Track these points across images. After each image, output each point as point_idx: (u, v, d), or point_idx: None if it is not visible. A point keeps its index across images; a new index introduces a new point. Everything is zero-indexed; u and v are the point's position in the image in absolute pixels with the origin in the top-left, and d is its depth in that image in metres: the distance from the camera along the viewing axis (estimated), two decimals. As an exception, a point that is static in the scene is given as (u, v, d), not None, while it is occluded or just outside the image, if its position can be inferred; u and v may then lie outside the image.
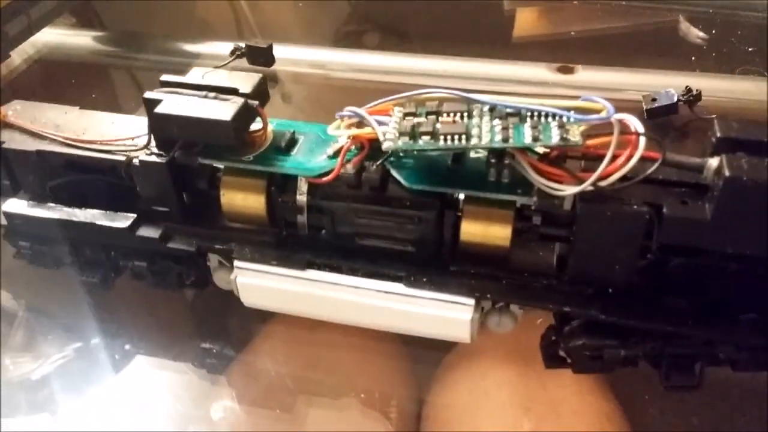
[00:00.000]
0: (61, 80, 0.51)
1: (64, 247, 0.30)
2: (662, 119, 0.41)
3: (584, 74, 0.50)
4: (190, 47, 0.54)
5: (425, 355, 0.34)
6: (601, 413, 0.30)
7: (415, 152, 0.25)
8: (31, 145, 0.28)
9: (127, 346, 0.35)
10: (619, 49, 0.55)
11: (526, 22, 0.63)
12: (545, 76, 0.50)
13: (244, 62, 0.46)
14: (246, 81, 0.27)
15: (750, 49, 0.50)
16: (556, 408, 0.30)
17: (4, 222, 0.30)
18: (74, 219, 0.28)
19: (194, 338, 0.35)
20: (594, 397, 0.30)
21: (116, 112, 0.49)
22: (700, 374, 0.26)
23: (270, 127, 0.27)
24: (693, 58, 0.49)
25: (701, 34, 0.54)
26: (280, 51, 0.47)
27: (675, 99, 0.40)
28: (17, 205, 0.29)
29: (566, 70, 0.51)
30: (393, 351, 0.33)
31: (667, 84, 0.43)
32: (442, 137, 0.24)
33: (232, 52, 0.47)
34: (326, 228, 0.28)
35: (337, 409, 0.32)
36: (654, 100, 0.41)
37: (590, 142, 0.24)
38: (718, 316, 0.25)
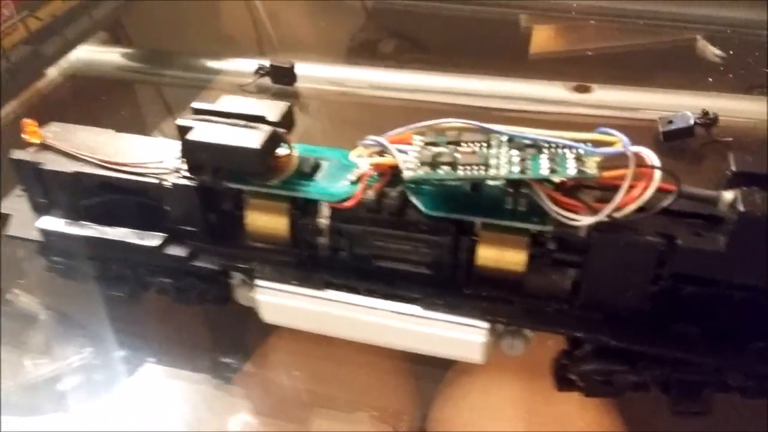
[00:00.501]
0: (90, 96, 0.52)
1: (94, 262, 0.31)
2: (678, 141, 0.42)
3: (600, 93, 0.51)
4: (214, 64, 0.56)
5: (431, 372, 0.35)
6: (606, 430, 0.30)
7: (434, 182, 0.26)
8: (68, 166, 0.30)
9: (142, 354, 0.36)
10: (635, 68, 0.56)
11: (542, 39, 0.63)
12: (562, 95, 0.51)
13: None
14: (273, 109, 0.28)
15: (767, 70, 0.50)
16: (561, 424, 0.31)
17: (30, 237, 0.31)
18: (106, 237, 0.30)
19: (208, 349, 0.36)
20: (599, 414, 0.31)
21: (143, 126, 0.50)
22: (708, 401, 0.26)
23: (295, 153, 0.28)
24: (710, 79, 0.50)
25: (719, 52, 0.54)
26: (300, 68, 0.49)
27: (692, 122, 0.41)
28: (52, 223, 0.31)
29: (583, 89, 0.51)
30: (398, 366, 0.34)
31: (684, 104, 0.44)
32: (461, 167, 0.25)
33: (256, 71, 0.49)
34: (345, 250, 0.29)
35: (344, 422, 0.33)
36: (670, 122, 0.42)
37: (606, 173, 0.25)
38: (727, 344, 0.26)
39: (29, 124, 0.31)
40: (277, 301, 0.29)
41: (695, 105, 0.43)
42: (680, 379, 0.26)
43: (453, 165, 0.25)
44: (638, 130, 0.43)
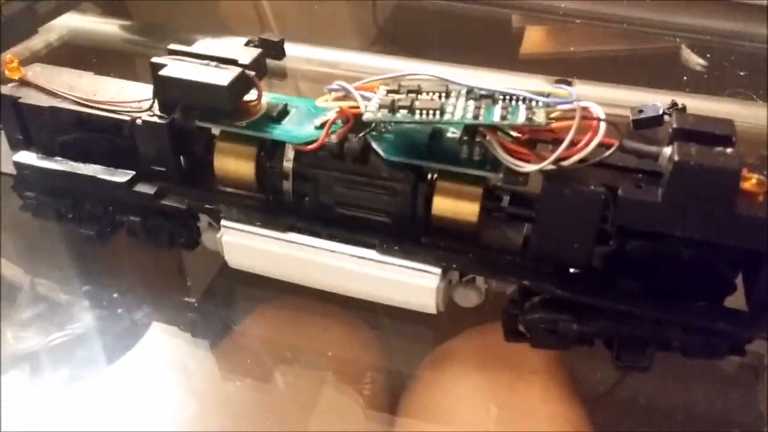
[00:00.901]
0: (82, 64, 0.53)
1: (66, 200, 0.32)
2: (649, 130, 0.43)
3: (581, 88, 0.52)
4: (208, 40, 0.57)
5: (392, 326, 0.35)
6: (567, 421, 0.31)
7: (393, 124, 0.27)
8: (45, 101, 0.31)
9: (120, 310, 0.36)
10: (620, 71, 0.57)
11: (533, 40, 0.65)
12: (543, 88, 0.52)
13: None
14: (246, 53, 0.29)
15: (742, 74, 0.51)
16: (525, 414, 0.31)
17: (5, 171, 0.32)
18: (77, 172, 0.31)
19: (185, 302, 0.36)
20: (562, 406, 0.31)
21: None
22: (651, 357, 0.27)
23: (264, 99, 0.29)
24: (684, 78, 0.51)
25: (701, 61, 0.56)
26: (291, 49, 0.50)
27: (660, 111, 0.42)
28: (27, 157, 0.32)
29: (564, 83, 0.52)
30: (360, 320, 0.35)
31: (660, 101, 0.45)
32: (417, 111, 0.26)
33: (246, 44, 0.50)
34: (309, 195, 0.30)
35: (309, 380, 0.33)
36: (641, 111, 0.43)
37: (556, 125, 0.26)
38: (670, 300, 0.26)
39: (10, 60, 0.32)
40: (242, 242, 0.30)
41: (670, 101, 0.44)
42: (623, 333, 0.27)
43: (410, 109, 0.26)
44: (616, 126, 0.44)
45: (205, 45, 0.29)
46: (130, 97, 0.31)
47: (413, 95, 0.27)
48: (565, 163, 0.25)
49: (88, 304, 0.36)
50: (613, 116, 0.50)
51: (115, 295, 0.35)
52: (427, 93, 0.27)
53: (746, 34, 0.57)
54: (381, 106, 0.26)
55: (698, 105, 0.46)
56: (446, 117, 0.26)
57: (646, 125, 0.43)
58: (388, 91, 0.27)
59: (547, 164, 0.25)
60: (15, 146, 0.33)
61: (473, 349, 0.34)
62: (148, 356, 0.35)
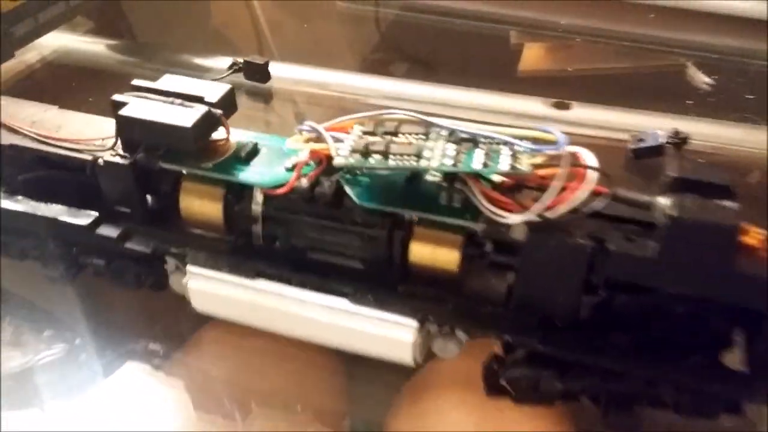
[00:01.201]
0: (65, 84, 0.52)
1: (29, 239, 0.31)
2: (652, 161, 0.41)
3: (579, 111, 0.50)
4: (199, 60, 0.55)
5: (365, 373, 0.34)
6: None
7: (365, 170, 0.25)
8: (6, 139, 0.29)
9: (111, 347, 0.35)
10: (622, 90, 0.55)
11: (532, 57, 0.63)
12: (541, 110, 0.51)
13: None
14: (213, 90, 0.27)
15: (751, 97, 0.49)
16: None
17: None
18: (38, 213, 0.29)
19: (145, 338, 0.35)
20: (549, 424, 0.30)
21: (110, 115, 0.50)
22: (640, 415, 0.25)
23: (232, 137, 0.28)
24: (689, 101, 0.49)
25: (707, 79, 0.54)
26: (276, 69, 0.49)
27: (661, 141, 0.40)
28: (-13, 196, 0.30)
29: (562, 106, 0.51)
30: (333, 364, 0.33)
31: (663, 126, 0.43)
32: (392, 157, 0.24)
33: (230, 67, 0.49)
34: (280, 240, 0.28)
35: (281, 421, 0.32)
36: (641, 140, 0.41)
37: (542, 172, 0.24)
38: (661, 356, 0.25)
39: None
40: (208, 288, 0.28)
41: (673, 127, 0.42)
42: (610, 391, 0.25)
43: (385, 154, 0.24)
44: (614, 149, 0.42)
45: (170, 81, 0.28)
46: (94, 134, 0.29)
47: (389, 137, 0.25)
48: (550, 214, 0.24)
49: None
50: (615, 141, 0.48)
51: (77, 341, 0.33)
52: (405, 135, 0.25)
53: (756, 51, 0.55)
54: (354, 150, 0.25)
55: (702, 130, 0.45)
56: (423, 163, 0.24)
57: (646, 155, 0.41)
58: (363, 133, 0.26)
59: (531, 216, 0.23)
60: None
61: (459, 371, 0.32)
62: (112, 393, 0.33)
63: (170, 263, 0.30)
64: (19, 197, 0.30)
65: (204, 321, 0.34)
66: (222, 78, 0.49)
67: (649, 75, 0.58)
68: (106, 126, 0.30)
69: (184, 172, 0.28)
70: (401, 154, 0.24)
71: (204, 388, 0.33)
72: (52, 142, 0.29)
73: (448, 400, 0.31)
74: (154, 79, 0.53)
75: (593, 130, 0.49)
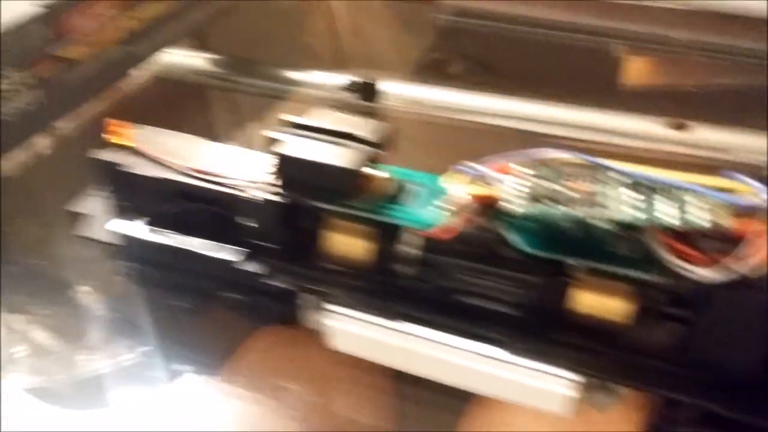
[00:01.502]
0: (170, 99, 0.52)
1: (165, 271, 0.30)
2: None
3: (700, 133, 0.47)
4: (292, 75, 0.55)
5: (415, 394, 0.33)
6: None
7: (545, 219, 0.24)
8: (149, 170, 0.29)
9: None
10: (733, 108, 0.52)
11: (635, 70, 0.60)
12: (656, 131, 0.48)
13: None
14: (368, 127, 0.26)
15: None
16: None
17: (103, 239, 0.31)
18: (182, 246, 0.29)
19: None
20: None
21: (220, 133, 0.50)
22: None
23: (384, 174, 0.27)
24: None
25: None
26: (382, 86, 0.47)
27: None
28: (127, 227, 0.30)
29: (680, 126, 0.48)
30: (380, 383, 0.33)
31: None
32: (572, 206, 0.23)
33: (343, 88, 0.48)
34: (426, 281, 0.27)
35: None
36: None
37: (739, 225, 0.22)
38: None
39: (112, 123, 0.30)
40: (349, 328, 0.27)
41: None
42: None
43: (567, 203, 0.23)
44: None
45: (320, 116, 0.27)
46: (236, 167, 0.29)
47: (561, 182, 0.24)
48: (742, 268, 0.22)
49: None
50: (737, 165, 0.45)
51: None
52: (576, 179, 0.24)
53: None
54: (526, 197, 0.23)
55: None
56: (606, 213, 0.22)
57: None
58: (530, 175, 0.24)
59: (731, 273, 0.21)
60: (112, 212, 0.31)
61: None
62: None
63: (305, 299, 0.29)
64: (159, 228, 0.30)
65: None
66: (332, 99, 0.48)
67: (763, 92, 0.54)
68: (248, 158, 0.29)
69: (334, 209, 0.27)
70: (581, 203, 0.23)
71: (256, 397, 0.32)
72: (197, 175, 0.28)
73: (521, 414, 0.30)
74: (258, 95, 0.54)
75: (717, 153, 0.47)
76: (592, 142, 0.48)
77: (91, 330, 0.37)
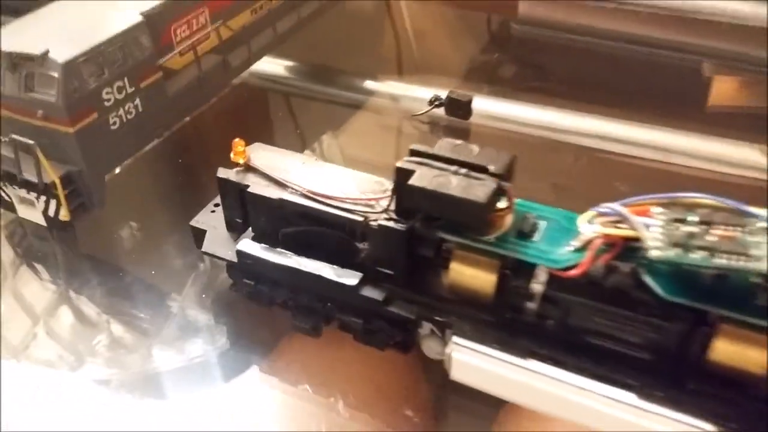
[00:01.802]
0: (258, 107, 0.53)
1: (283, 290, 0.31)
2: None
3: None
4: (372, 85, 0.55)
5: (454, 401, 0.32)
6: None
7: (685, 265, 0.23)
8: (273, 192, 0.29)
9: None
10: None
11: (723, 91, 0.59)
12: (755, 159, 0.47)
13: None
14: (497, 159, 0.26)
15: None
16: None
17: (225, 257, 0.31)
18: (303, 269, 0.29)
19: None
20: None
21: (307, 142, 0.50)
22: None
23: (514, 208, 0.27)
24: None
25: None
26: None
27: None
28: (250, 246, 0.30)
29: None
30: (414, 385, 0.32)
31: None
32: (719, 255, 0.22)
33: (431, 102, 0.48)
34: (556, 320, 0.27)
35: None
36: None
37: None
38: None
39: (238, 144, 0.31)
40: (474, 362, 0.27)
41: None
42: None
43: (710, 250, 0.22)
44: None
45: (448, 146, 0.27)
46: (358, 192, 0.29)
47: (705, 228, 0.23)
48: None
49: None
50: None
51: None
52: (720, 226, 0.23)
53: None
54: (673, 243, 0.23)
55: None
56: (752, 264, 0.22)
57: None
58: (671, 219, 0.24)
59: None
60: (232, 229, 0.32)
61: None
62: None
63: (425, 328, 0.29)
64: (280, 249, 0.30)
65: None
66: (424, 113, 0.48)
67: None
68: (367, 183, 0.29)
69: (464, 242, 0.27)
70: (728, 252, 0.22)
71: (295, 393, 0.32)
72: (320, 199, 0.29)
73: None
74: (335, 102, 0.54)
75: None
76: (686, 167, 0.47)
77: (168, 324, 0.38)
